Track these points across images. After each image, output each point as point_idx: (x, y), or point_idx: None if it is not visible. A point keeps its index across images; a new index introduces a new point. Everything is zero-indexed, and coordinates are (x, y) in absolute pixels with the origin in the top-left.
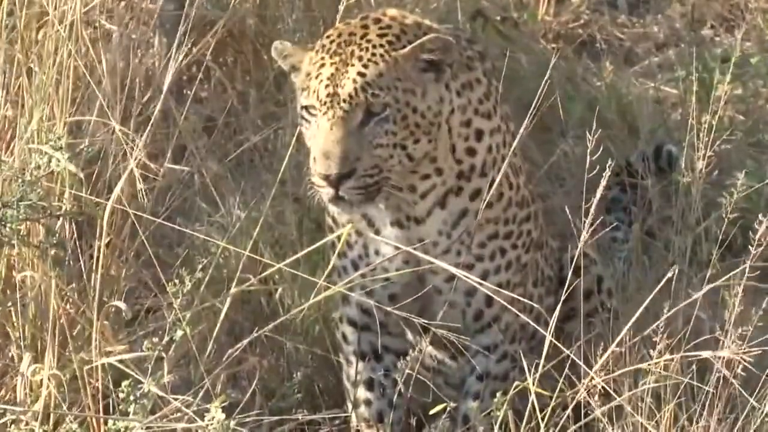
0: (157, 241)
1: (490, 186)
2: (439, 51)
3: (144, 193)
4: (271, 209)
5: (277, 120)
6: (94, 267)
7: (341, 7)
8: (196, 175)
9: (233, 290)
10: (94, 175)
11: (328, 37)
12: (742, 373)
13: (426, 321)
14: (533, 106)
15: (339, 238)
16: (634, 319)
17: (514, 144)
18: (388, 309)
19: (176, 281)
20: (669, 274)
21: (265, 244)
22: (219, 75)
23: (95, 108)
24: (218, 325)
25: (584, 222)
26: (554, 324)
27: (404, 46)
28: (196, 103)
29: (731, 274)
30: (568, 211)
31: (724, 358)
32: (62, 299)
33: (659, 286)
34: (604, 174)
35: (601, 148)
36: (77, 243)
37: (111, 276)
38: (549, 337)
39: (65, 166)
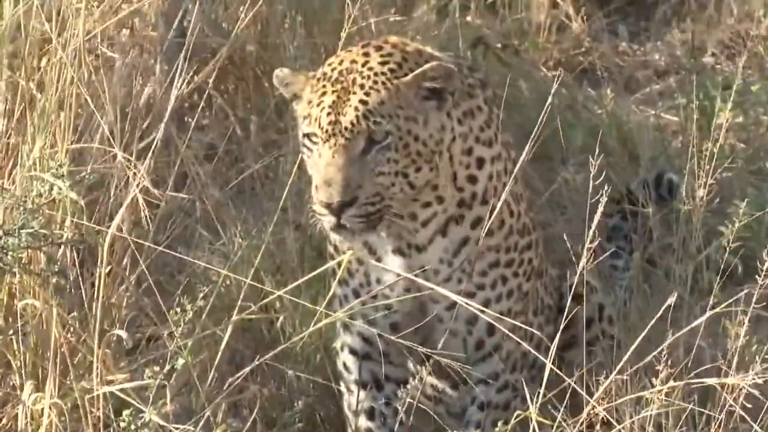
0: (158, 269)
1: (491, 214)
2: (440, 79)
3: (148, 220)
4: (273, 237)
5: (279, 148)
6: (95, 295)
7: (343, 35)
8: (198, 202)
9: (234, 318)
10: (95, 203)
11: (329, 64)
12: (746, 403)
13: (428, 350)
14: (534, 133)
15: (340, 265)
16: (634, 346)
17: (515, 171)
18: (390, 337)
19: (177, 309)
20: (669, 301)
21: (267, 272)
22: (220, 102)
23: (97, 135)
24: (219, 353)
25: (584, 247)
26: (555, 352)
27: (406, 74)
28: (197, 130)
29: (731, 300)
30: (568, 239)
31: (727, 385)
32: (63, 327)
33: (659, 313)
34: (602, 199)
35: (603, 176)
36: (78, 271)
37: (112, 304)
38: (549, 365)
39: (67, 193)
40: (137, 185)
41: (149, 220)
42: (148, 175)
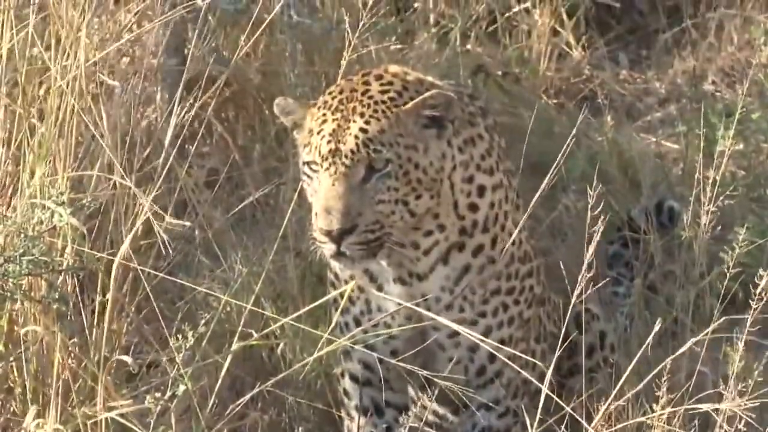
0: (159, 296)
1: (493, 242)
2: (441, 107)
3: (167, 244)
4: (273, 264)
5: (279, 175)
6: (96, 321)
7: (344, 63)
8: (198, 229)
9: (235, 345)
10: (95, 230)
11: (329, 93)
12: (743, 429)
13: (429, 373)
14: (553, 169)
15: (342, 295)
16: (630, 368)
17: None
18: (392, 361)
19: (178, 336)
20: (656, 326)
21: (267, 299)
22: (221, 130)
23: (97, 163)
24: (220, 379)
25: (582, 274)
26: (555, 379)
27: (406, 103)
28: (198, 157)
29: (731, 326)
30: (568, 267)
31: (725, 410)
32: (65, 354)
33: (652, 337)
34: (601, 226)
35: (602, 203)
36: (79, 297)
37: (113, 330)
38: (545, 390)
39: (68, 221)
40: (143, 212)
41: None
42: (152, 204)
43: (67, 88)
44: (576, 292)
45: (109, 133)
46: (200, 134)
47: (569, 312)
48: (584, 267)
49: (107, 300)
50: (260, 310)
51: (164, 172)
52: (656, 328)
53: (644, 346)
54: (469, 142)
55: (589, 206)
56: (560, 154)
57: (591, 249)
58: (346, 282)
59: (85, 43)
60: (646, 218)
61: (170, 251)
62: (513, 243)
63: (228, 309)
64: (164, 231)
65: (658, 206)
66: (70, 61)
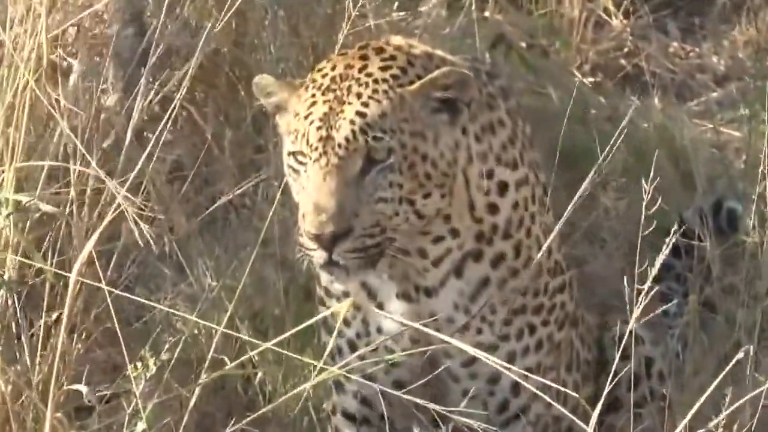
0: (114, 316)
1: (517, 250)
2: (453, 87)
3: (151, 237)
4: (251, 276)
5: (258, 169)
6: (41, 346)
7: (341, 37)
8: (160, 235)
9: (205, 375)
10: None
11: (320, 70)
12: None
13: (442, 408)
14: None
15: (334, 314)
16: (683, 402)
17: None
18: (395, 394)
19: (137, 364)
20: (739, 356)
21: (243, 319)
22: (188, 114)
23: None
24: (186, 417)
25: (630, 289)
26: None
27: (412, 82)
28: (160, 147)
29: None
30: (604, 279)
31: None
32: (3, 382)
33: (723, 371)
34: (666, 235)
35: (647, 203)
36: (19, 317)
37: (62, 357)
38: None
39: (7, 224)
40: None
41: (97, 257)
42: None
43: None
44: (630, 311)
45: (66, 118)
46: (163, 119)
47: (616, 335)
48: (637, 276)
49: (53, 320)
50: (235, 333)
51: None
52: (740, 355)
53: (700, 376)
54: (487, 130)
55: (643, 204)
56: (598, 144)
57: (657, 262)
58: (339, 298)
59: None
60: (702, 221)
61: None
62: (541, 251)
63: (196, 331)
64: (126, 237)
65: (716, 206)
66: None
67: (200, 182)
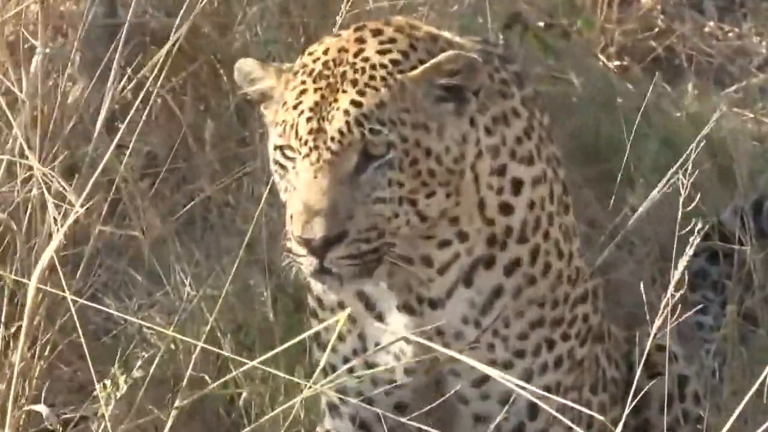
0: (80, 328)
1: (533, 255)
2: (461, 73)
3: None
4: (234, 285)
5: (242, 164)
6: None
7: (339, 19)
8: (133, 237)
9: (182, 396)
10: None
11: (310, 53)
12: None
13: None
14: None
15: (328, 327)
16: (720, 425)
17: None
18: (397, 419)
19: (105, 383)
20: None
21: (226, 333)
22: (162, 102)
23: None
24: None
25: (661, 299)
26: None
27: (414, 67)
28: (131, 138)
29: None
30: (632, 288)
31: None
32: None
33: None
34: (692, 237)
35: (693, 204)
36: None
37: (22, 373)
38: None
39: None
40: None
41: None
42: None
43: None
44: (657, 323)
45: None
46: (135, 107)
47: (645, 351)
48: (673, 284)
49: (12, 333)
50: (216, 349)
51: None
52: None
53: (738, 397)
54: (500, 121)
55: (680, 202)
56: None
57: (680, 265)
58: (333, 310)
59: None
60: (742, 222)
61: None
62: (561, 257)
63: (173, 347)
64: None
65: (757, 206)
66: None
67: (177, 178)
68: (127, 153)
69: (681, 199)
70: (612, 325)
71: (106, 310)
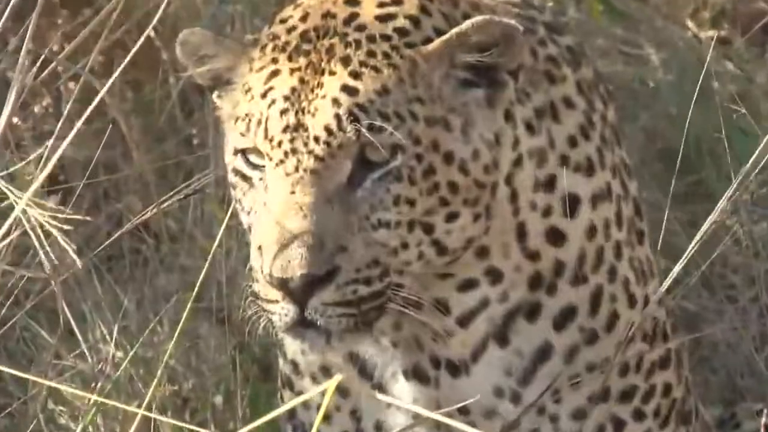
0: None
1: (594, 302)
2: (494, 48)
3: None
4: (178, 343)
5: (187, 175)
6: None
7: None
8: (41, 277)
9: None
10: None
11: (283, 21)
12: None
13: None
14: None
15: (307, 403)
16: None
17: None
18: None
19: None
20: None
21: (166, 410)
22: (76, 87)
23: None
24: None
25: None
26: None
27: (428, 39)
28: (40, 142)
29: None
30: (733, 349)
31: None
32: None
33: None
34: None
35: None
36: None
37: None
38: None
39: None
40: None
41: None
42: None
43: None
44: None
45: None
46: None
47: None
48: None
49: None
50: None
51: None
52: None
53: None
54: (546, 114)
55: None
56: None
57: None
58: (314, 378)
59: None
60: None
61: None
62: (632, 304)
63: (91, 429)
64: None
65: None
66: None
67: (97, 194)
68: (27, 160)
69: None
70: (701, 400)
71: (9, 371)
